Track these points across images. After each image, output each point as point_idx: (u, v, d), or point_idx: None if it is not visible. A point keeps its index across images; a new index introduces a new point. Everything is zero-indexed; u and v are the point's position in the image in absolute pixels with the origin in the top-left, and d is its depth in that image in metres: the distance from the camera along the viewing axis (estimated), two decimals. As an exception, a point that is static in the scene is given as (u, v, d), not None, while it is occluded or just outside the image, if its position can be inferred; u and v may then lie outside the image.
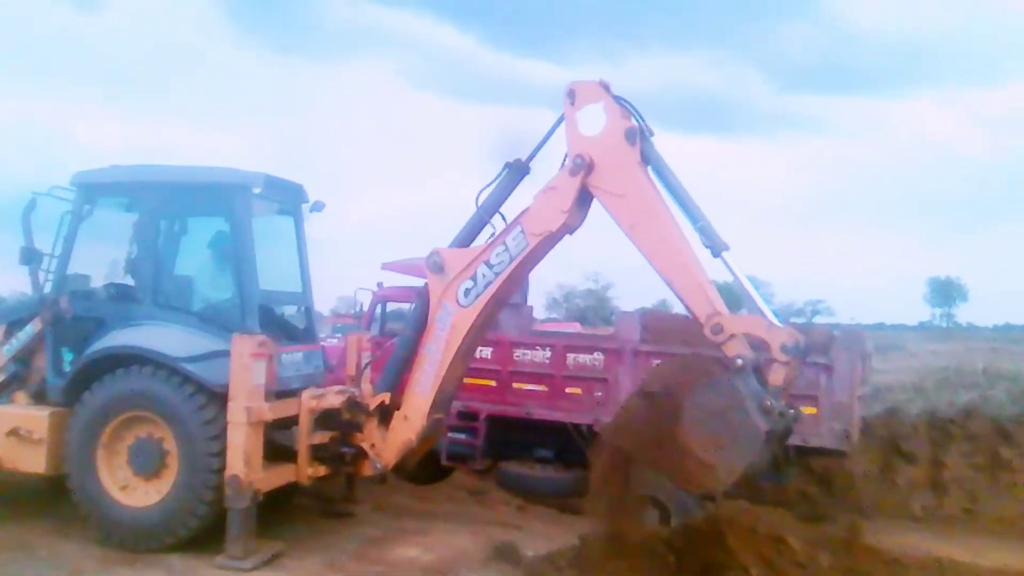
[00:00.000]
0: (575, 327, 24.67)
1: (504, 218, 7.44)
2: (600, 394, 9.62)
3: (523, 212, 7.18)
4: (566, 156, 6.95)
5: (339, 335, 15.28)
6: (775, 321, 6.27)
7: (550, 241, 7.13)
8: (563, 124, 7.00)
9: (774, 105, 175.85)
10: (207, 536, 7.49)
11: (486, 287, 7.30)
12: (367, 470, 8.03)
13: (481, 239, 7.61)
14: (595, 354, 9.85)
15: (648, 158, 6.77)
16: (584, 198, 6.95)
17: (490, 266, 7.28)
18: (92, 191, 8.45)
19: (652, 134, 6.88)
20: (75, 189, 8.45)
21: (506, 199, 7.51)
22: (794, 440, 8.75)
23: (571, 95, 6.91)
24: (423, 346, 7.58)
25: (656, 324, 10.25)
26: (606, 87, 6.85)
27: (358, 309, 12.79)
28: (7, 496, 8.96)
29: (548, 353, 10.00)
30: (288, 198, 8.83)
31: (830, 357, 8.73)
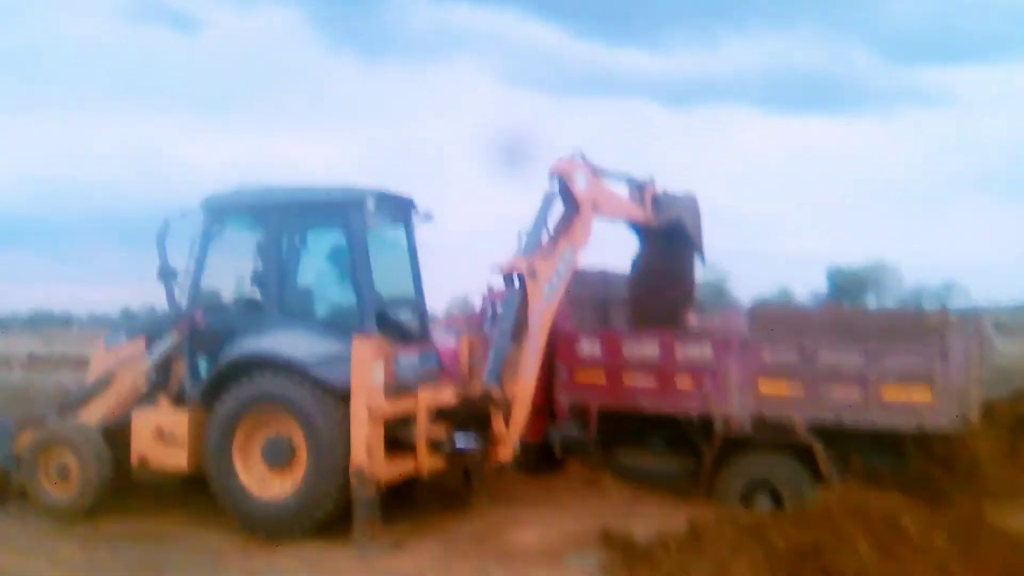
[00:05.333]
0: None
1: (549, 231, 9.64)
2: (710, 385, 9.67)
3: (566, 233, 9.55)
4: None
5: (454, 336, 15.63)
6: None
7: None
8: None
9: (889, 79, 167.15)
10: (337, 525, 7.97)
11: (557, 287, 9.38)
12: (505, 454, 8.82)
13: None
14: (703, 345, 9.95)
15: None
16: None
17: (558, 273, 9.38)
18: (220, 213, 9.10)
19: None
20: (204, 211, 9.08)
21: (549, 216, 9.66)
22: (910, 425, 8.70)
23: (567, 176, 9.49)
24: (526, 341, 8.95)
25: (765, 314, 10.27)
26: (573, 159, 9.62)
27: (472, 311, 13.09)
28: (150, 493, 9.78)
29: (656, 345, 10.15)
30: (399, 210, 9.31)
31: (944, 341, 8.60)
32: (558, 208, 9.72)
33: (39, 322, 76.76)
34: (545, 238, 9.59)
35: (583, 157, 9.69)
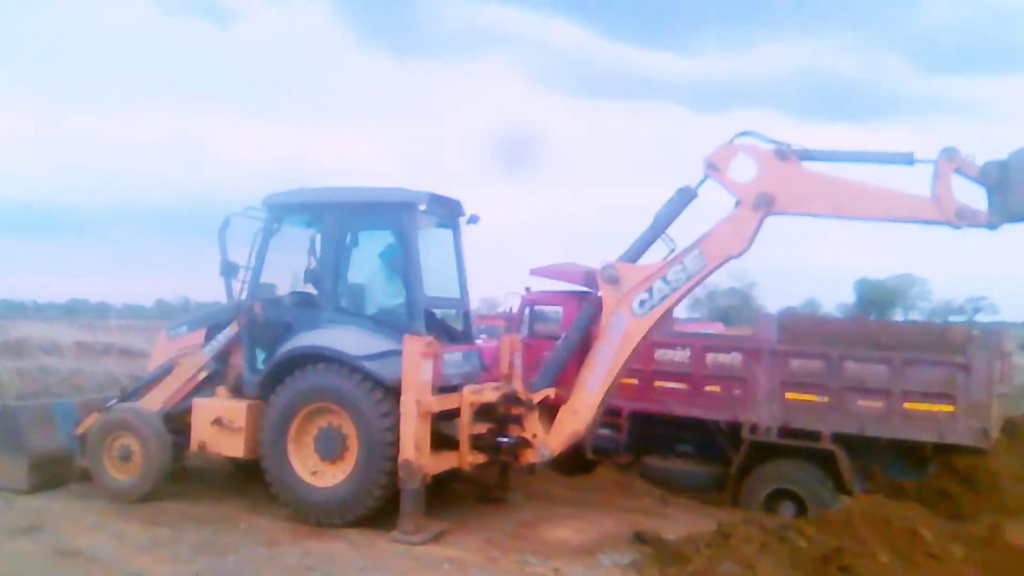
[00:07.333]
0: (717, 327, 24.65)
1: (666, 238, 8.52)
2: (739, 392, 10.02)
3: (704, 237, 8.16)
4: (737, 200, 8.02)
5: (486, 335, 16.03)
6: None
7: (725, 263, 8.19)
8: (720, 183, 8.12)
9: (919, 89, 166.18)
10: (382, 514, 8.39)
11: (661, 300, 8.34)
12: (530, 458, 8.84)
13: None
14: (733, 354, 10.28)
15: (802, 156, 7.88)
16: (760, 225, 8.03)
17: (667, 282, 8.32)
18: (280, 211, 9.54)
19: (788, 144, 7.85)
20: (265, 209, 9.55)
21: (675, 221, 8.53)
22: (931, 437, 9.01)
23: (712, 166, 8.11)
24: (595, 349, 8.56)
25: (794, 325, 10.58)
26: (732, 143, 8.09)
27: (507, 310, 13.47)
28: (207, 478, 10.26)
29: (688, 353, 10.46)
30: (448, 212, 9.70)
31: (967, 356, 8.91)
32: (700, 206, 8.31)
33: (75, 310, 78.14)
34: (659, 244, 8.59)
35: (758, 136, 8.06)
